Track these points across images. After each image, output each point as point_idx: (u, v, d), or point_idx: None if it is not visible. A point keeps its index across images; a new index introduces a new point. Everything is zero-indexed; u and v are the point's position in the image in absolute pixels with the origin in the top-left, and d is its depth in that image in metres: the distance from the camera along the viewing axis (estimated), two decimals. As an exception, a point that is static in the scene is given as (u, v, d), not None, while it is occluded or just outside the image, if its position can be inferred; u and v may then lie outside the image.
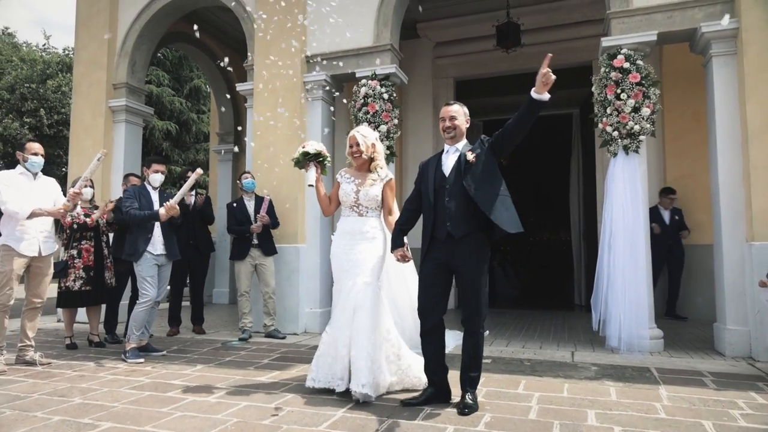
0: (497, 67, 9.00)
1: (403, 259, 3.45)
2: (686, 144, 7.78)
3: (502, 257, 13.24)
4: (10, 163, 20.86)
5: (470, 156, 3.32)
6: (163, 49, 21.49)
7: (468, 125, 3.54)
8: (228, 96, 9.55)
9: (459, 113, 3.49)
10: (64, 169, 19.78)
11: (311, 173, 3.84)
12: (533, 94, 3.12)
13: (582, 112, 9.84)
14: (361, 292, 3.56)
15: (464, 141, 3.51)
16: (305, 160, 3.84)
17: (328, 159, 3.95)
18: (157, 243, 4.82)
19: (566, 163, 11.65)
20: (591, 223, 9.05)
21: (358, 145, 3.78)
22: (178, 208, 4.71)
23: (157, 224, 4.79)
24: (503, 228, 3.21)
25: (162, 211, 4.65)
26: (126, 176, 6.15)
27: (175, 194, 4.81)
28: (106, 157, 7.28)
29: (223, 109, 9.92)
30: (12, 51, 22.93)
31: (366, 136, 3.81)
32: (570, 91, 9.93)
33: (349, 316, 3.53)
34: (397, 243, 3.47)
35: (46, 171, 4.79)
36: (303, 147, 3.88)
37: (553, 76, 3.10)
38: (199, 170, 4.69)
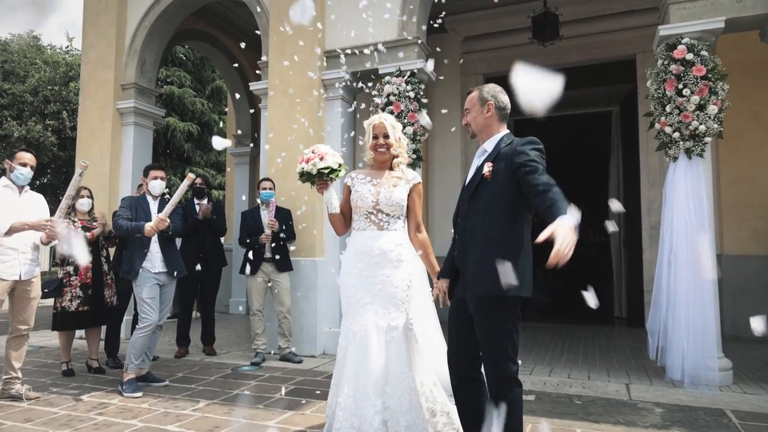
0: (531, 62, 8.34)
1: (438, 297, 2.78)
2: (743, 145, 7.06)
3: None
4: (35, 167, 20.88)
5: (486, 169, 2.50)
6: (184, 50, 21.31)
7: (490, 114, 2.59)
8: (238, 96, 9.11)
9: (471, 102, 2.65)
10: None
11: (332, 195, 2.86)
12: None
13: (622, 110, 9.14)
14: (392, 340, 2.76)
15: (496, 137, 2.59)
16: (325, 177, 2.82)
17: (346, 169, 2.97)
18: (155, 259, 4.30)
19: (601, 163, 10.96)
20: (632, 230, 8.36)
21: (386, 136, 2.91)
22: (168, 221, 4.15)
23: (154, 238, 4.29)
24: (474, 288, 2.43)
25: (148, 226, 4.11)
26: (140, 186, 5.70)
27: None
28: (115, 160, 6.94)
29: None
30: (36, 53, 23.00)
31: (394, 126, 2.97)
32: (609, 88, 9.27)
33: (376, 371, 2.68)
34: (444, 273, 2.74)
35: (67, 175, 4.29)
36: (319, 156, 2.82)
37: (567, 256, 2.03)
38: (191, 175, 4.07)
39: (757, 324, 2.93)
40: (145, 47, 7.07)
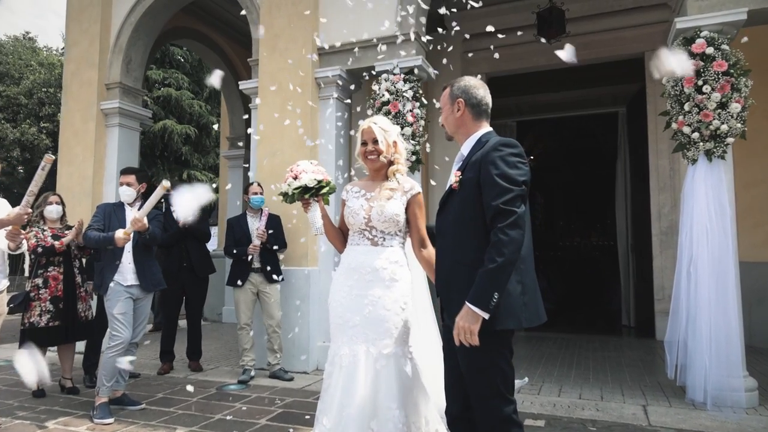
0: (535, 61, 8.03)
1: None
2: (757, 146, 6.71)
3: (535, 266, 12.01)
4: (29, 170, 20.58)
5: (454, 179, 2.22)
6: (182, 52, 21.00)
7: (461, 113, 2.29)
8: (233, 96, 8.79)
9: (443, 101, 2.38)
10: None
11: (315, 216, 2.61)
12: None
13: (629, 110, 8.81)
14: (382, 370, 2.41)
15: (473, 139, 2.27)
16: (303, 196, 2.59)
17: (332, 185, 2.70)
18: (126, 272, 3.94)
19: (607, 166, 10.66)
20: (641, 235, 8.02)
21: (375, 141, 2.58)
22: (144, 221, 3.78)
23: (127, 248, 3.94)
24: (448, 320, 2.19)
25: (118, 234, 3.75)
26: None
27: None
28: (99, 163, 6.59)
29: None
30: (31, 55, 22.75)
31: (386, 130, 2.63)
32: (616, 88, 8.94)
33: (362, 403, 2.35)
34: None
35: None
36: (294, 176, 2.59)
37: None
38: (165, 184, 3.67)
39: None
40: (131, 45, 6.74)
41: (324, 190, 2.59)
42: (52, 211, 4.50)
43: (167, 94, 20.57)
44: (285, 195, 2.61)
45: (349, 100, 5.76)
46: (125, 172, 4.19)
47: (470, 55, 8.21)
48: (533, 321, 2.11)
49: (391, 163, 2.66)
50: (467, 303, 1.97)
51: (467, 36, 5.56)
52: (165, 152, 21.04)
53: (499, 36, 7.77)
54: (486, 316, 1.96)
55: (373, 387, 2.39)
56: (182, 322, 5.77)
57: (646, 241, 7.63)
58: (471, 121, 2.30)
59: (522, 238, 1.99)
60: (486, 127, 2.30)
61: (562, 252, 16.01)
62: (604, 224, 17.23)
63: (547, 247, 14.90)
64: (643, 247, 7.94)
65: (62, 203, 4.61)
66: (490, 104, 2.34)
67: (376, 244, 2.57)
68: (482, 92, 2.31)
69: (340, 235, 2.74)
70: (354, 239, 2.63)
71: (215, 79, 3.56)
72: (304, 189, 2.54)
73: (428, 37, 5.44)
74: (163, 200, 5.57)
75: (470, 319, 1.96)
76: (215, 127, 18.52)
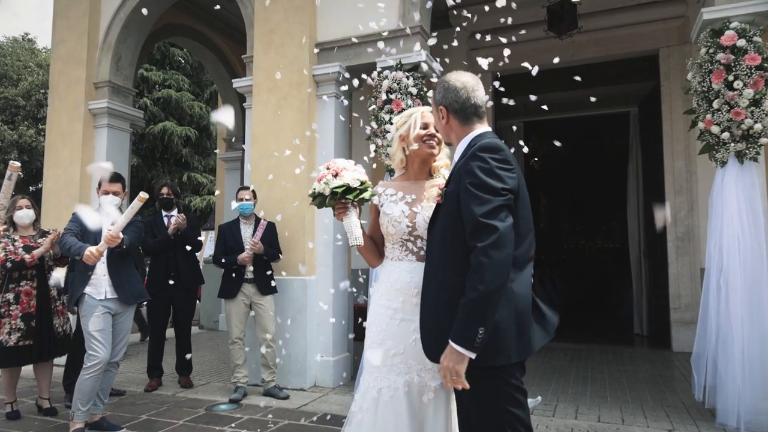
0: (544, 59, 7.64)
1: None
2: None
3: (541, 270, 11.68)
4: (27, 173, 20.32)
5: (436, 191, 2.05)
6: (183, 53, 20.72)
7: (446, 120, 2.04)
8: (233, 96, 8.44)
9: (432, 105, 2.17)
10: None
11: (354, 223, 2.14)
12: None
13: (642, 110, 8.46)
14: (430, 403, 2.09)
15: (464, 143, 2.00)
16: (344, 198, 2.12)
17: (373, 189, 2.22)
18: (100, 284, 3.58)
19: (618, 168, 10.34)
20: (655, 240, 7.65)
21: (435, 131, 2.23)
22: (121, 236, 3.44)
23: (103, 258, 3.58)
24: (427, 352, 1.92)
25: (90, 249, 3.36)
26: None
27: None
28: (85, 167, 6.27)
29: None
30: (29, 57, 22.53)
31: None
32: (627, 86, 8.60)
33: None
34: None
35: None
36: (334, 173, 2.13)
37: None
38: (143, 194, 3.35)
39: None
40: (121, 42, 6.42)
41: (366, 194, 2.16)
42: (22, 216, 4.09)
43: (167, 95, 20.35)
44: (319, 196, 2.16)
45: (348, 99, 5.43)
46: (111, 179, 3.77)
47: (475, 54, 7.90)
48: (525, 353, 1.80)
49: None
50: (450, 341, 1.71)
51: (474, 33, 5.23)
52: (165, 154, 20.80)
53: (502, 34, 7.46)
54: (472, 355, 1.69)
55: (419, 422, 2.09)
56: (171, 331, 5.42)
57: (661, 247, 7.28)
58: (459, 126, 2.03)
59: (508, 260, 1.69)
60: (480, 128, 2.01)
61: (567, 255, 15.70)
62: (609, 227, 16.91)
63: (551, 249, 14.59)
64: (657, 253, 7.57)
65: (33, 207, 4.21)
66: (480, 101, 2.01)
67: (422, 258, 2.15)
68: (464, 93, 1.99)
69: (374, 246, 2.32)
70: (394, 253, 2.22)
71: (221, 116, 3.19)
72: (347, 189, 2.11)
73: (433, 36, 5.11)
74: (156, 204, 5.26)
75: (454, 359, 1.70)
76: (216, 151, 18.13)
